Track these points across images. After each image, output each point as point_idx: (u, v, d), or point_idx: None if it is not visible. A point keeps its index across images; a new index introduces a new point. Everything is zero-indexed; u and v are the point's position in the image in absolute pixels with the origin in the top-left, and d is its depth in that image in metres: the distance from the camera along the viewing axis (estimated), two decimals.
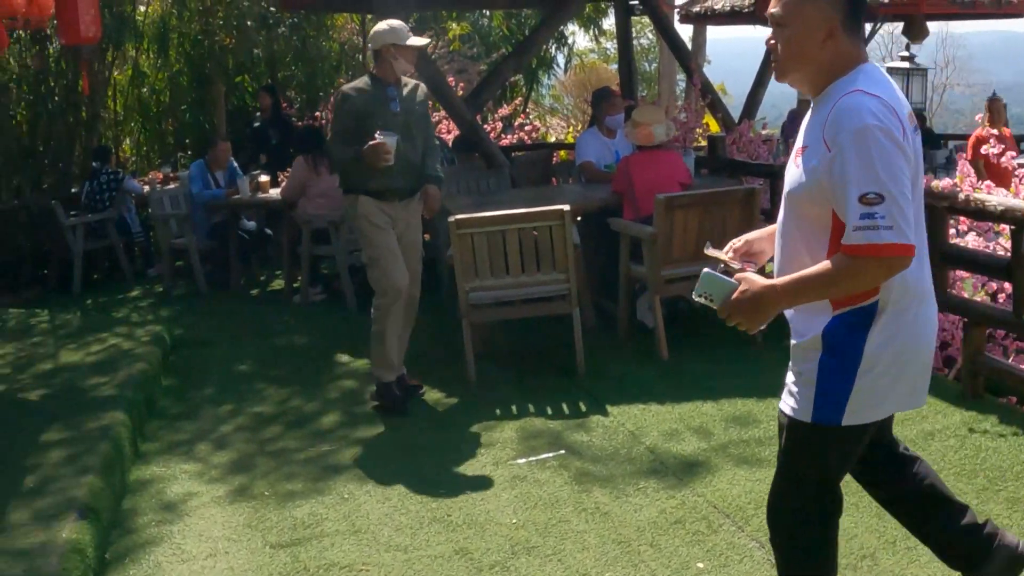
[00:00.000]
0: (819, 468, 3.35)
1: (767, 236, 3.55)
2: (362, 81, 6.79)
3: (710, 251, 3.49)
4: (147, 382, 7.52)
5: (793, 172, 3.22)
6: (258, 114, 14.96)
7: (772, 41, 3.22)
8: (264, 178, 11.49)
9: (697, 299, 3.28)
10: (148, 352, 8.23)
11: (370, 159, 6.46)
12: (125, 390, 7.19)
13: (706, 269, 3.30)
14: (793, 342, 3.33)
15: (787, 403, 3.35)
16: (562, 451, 5.98)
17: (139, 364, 7.84)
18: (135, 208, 13.67)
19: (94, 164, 13.43)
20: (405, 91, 6.81)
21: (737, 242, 3.57)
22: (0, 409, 7.21)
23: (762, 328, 3.23)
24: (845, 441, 3.28)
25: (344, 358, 8.27)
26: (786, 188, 3.26)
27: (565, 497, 5.35)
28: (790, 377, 3.35)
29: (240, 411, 7.17)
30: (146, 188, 13.55)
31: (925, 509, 3.60)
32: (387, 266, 6.72)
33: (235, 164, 12.13)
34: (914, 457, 3.63)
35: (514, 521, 5.13)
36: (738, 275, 3.23)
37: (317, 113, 15.61)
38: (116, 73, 16.80)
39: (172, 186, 13.07)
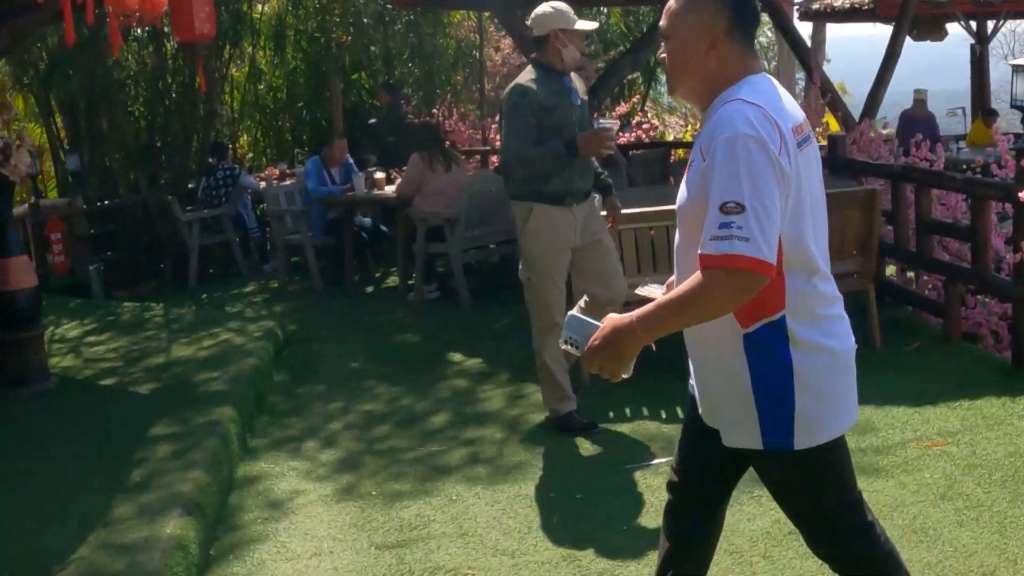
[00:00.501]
0: (814, 495, 3.14)
1: None
2: (531, 72, 6.07)
3: (643, 290, 3.24)
4: (258, 378, 7.50)
5: (681, 188, 3.08)
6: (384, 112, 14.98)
7: (663, 55, 3.13)
8: (379, 175, 11.45)
9: (563, 347, 3.03)
10: (260, 348, 8.22)
11: (591, 147, 5.88)
12: (235, 385, 7.17)
13: (571, 312, 3.05)
14: (700, 376, 3.17)
15: (734, 437, 3.09)
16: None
17: (250, 359, 7.83)
18: (251, 204, 13.77)
19: (211, 160, 13.55)
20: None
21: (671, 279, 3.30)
22: (110, 403, 7.25)
23: (626, 376, 2.95)
24: (828, 463, 3.09)
25: (456, 357, 8.16)
26: (676, 205, 3.10)
27: None
28: (723, 409, 3.11)
29: (350, 408, 7.11)
30: (262, 184, 13.61)
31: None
32: (545, 295, 6.16)
33: (351, 161, 12.11)
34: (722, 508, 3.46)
35: (624, 528, 4.96)
36: (606, 318, 2.95)
37: (434, 110, 15.56)
38: (234, 70, 16.97)
39: (288, 182, 13.12)
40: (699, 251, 2.80)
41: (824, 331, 3.01)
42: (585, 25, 6.06)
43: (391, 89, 14.79)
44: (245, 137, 18.08)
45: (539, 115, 5.93)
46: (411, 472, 5.85)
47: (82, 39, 13.41)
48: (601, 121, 5.96)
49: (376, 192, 11.25)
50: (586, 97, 6.28)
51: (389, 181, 11.53)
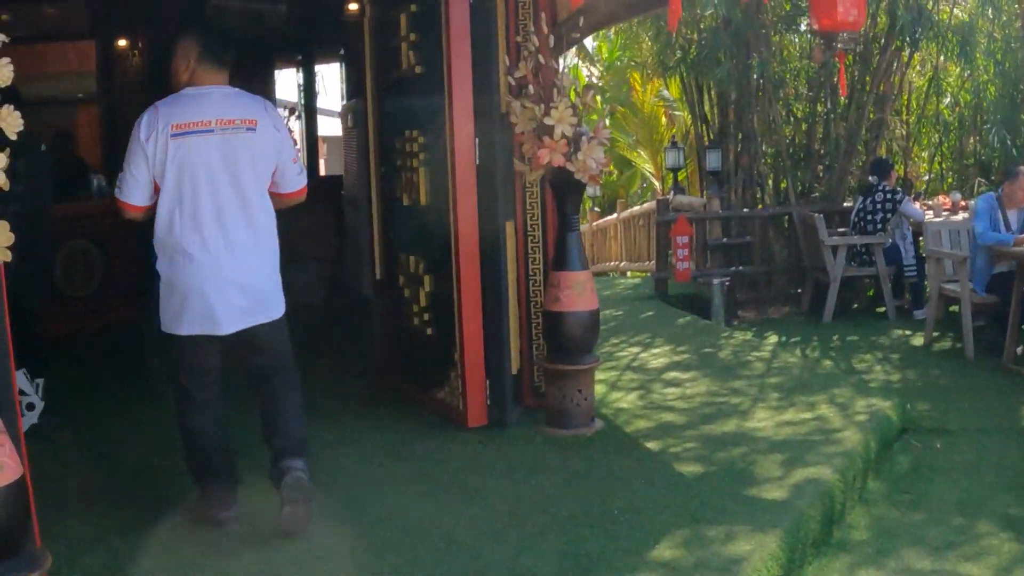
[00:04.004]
0: (170, 365, 4.89)
1: None
2: None
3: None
4: (836, 489, 5.49)
5: None
6: None
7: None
8: None
9: None
10: (857, 439, 6.19)
11: None
12: (799, 498, 5.24)
13: None
14: None
15: None
16: None
17: (837, 457, 5.86)
18: (912, 236, 11.69)
19: (871, 179, 11.65)
20: None
21: None
22: (631, 480, 5.57)
23: None
24: (175, 347, 4.78)
25: None
26: None
27: None
28: None
29: (939, 570, 4.97)
30: (928, 214, 11.49)
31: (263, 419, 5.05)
32: None
33: None
34: (264, 383, 5.02)
35: None
36: None
37: None
38: (915, 77, 14.64)
39: (959, 217, 10.96)
40: None
41: (171, 264, 4.68)
42: None
43: None
44: (924, 156, 15.75)
45: None
46: None
47: (735, 23, 11.94)
48: None
49: None
50: None
51: None
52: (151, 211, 4.73)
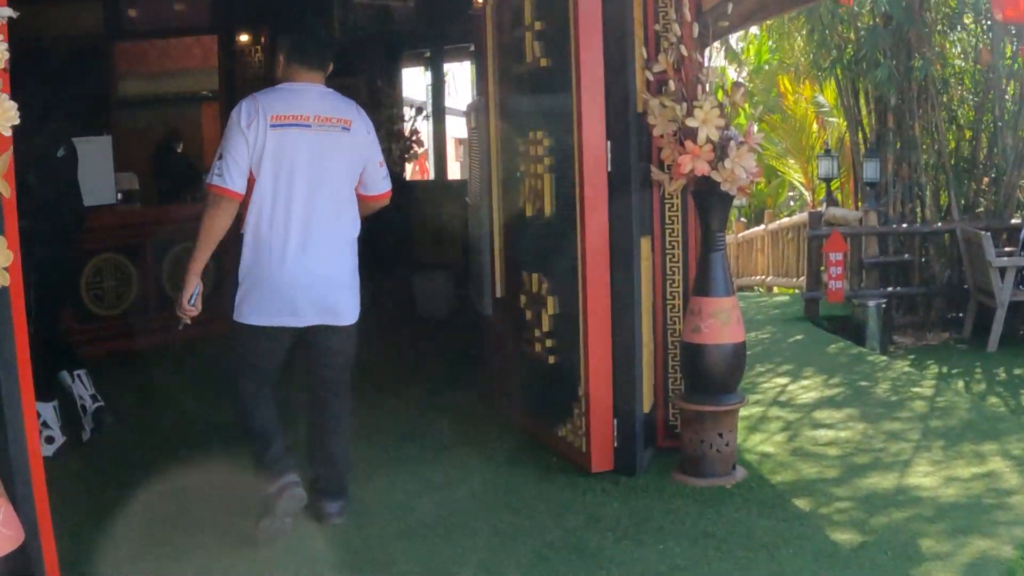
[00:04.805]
0: (232, 351, 4.88)
1: None
2: None
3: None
4: (1019, 572, 4.59)
5: None
6: None
7: None
8: None
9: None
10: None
11: None
12: None
13: None
14: None
15: None
16: None
17: (1016, 527, 4.95)
18: None
19: None
20: None
21: None
22: (775, 549, 4.74)
23: (187, 318, 4.70)
24: (242, 335, 4.80)
25: None
26: None
27: None
28: None
29: None
30: None
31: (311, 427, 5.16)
32: None
33: None
34: (321, 397, 5.07)
35: None
36: None
37: None
38: None
39: None
40: None
41: (255, 254, 4.71)
42: None
43: None
44: None
45: None
46: None
47: (896, 20, 10.96)
48: None
49: None
50: None
51: None
52: (239, 205, 4.73)
